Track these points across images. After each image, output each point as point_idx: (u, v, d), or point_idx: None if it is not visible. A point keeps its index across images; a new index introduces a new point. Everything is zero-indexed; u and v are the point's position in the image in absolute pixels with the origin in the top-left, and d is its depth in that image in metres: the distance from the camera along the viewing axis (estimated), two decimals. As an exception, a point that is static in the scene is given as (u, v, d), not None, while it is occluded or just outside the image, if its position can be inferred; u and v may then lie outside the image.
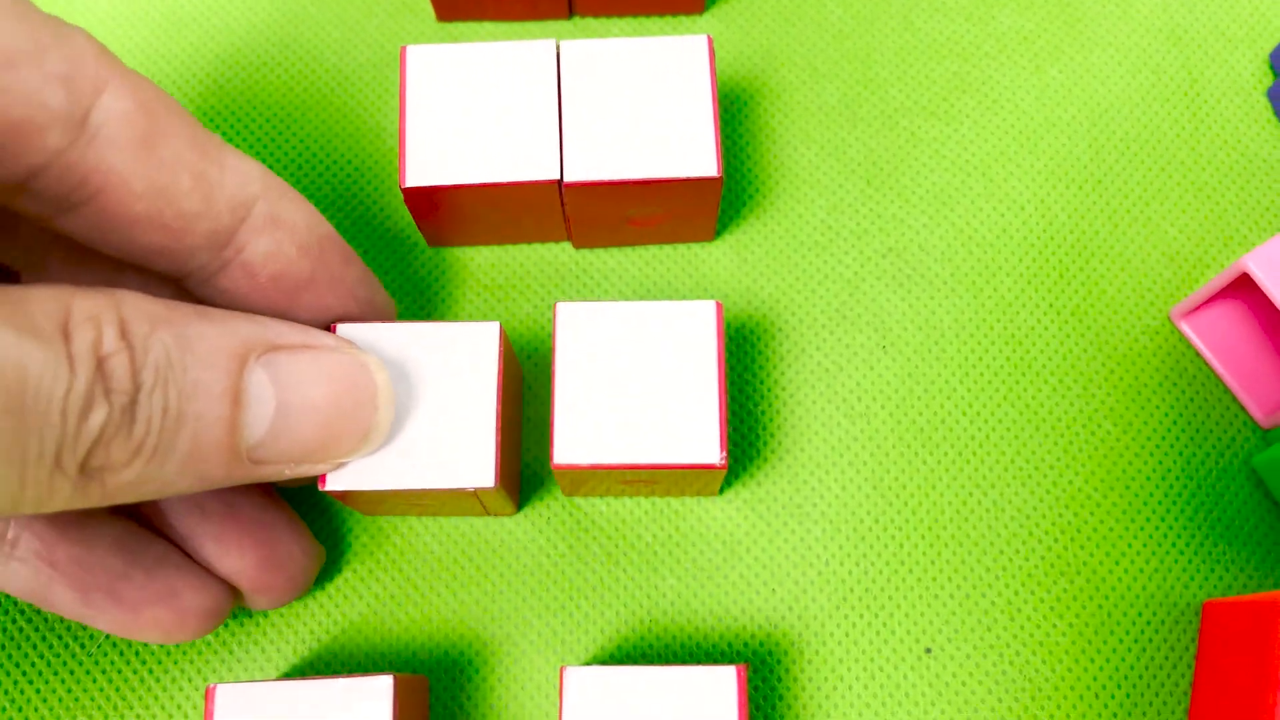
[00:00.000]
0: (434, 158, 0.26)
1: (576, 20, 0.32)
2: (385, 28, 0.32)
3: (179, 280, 0.22)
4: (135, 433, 0.18)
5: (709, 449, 0.24)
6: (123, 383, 0.18)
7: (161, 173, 0.20)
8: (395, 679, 0.23)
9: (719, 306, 0.24)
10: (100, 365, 0.18)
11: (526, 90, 0.26)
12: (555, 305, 0.25)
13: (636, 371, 0.24)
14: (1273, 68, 0.31)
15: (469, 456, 0.23)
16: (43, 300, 0.17)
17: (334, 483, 0.23)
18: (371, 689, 0.23)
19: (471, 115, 0.26)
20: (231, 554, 0.24)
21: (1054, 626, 0.27)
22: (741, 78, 0.31)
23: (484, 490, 0.23)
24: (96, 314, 0.18)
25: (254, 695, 0.23)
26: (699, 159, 0.26)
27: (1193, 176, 0.30)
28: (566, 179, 0.26)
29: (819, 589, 0.27)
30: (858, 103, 0.31)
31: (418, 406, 0.24)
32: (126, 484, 0.18)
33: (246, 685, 0.23)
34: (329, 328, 0.24)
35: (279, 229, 0.22)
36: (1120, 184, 0.30)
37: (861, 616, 0.27)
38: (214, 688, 0.22)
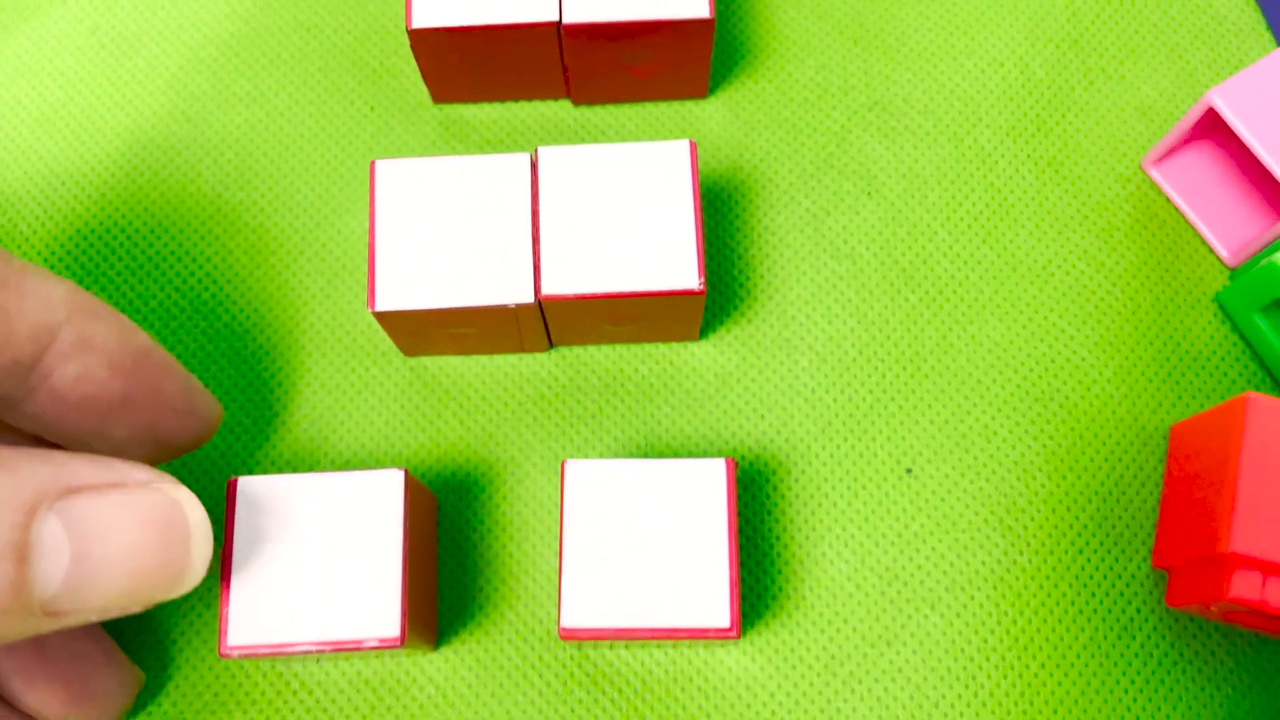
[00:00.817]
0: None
1: None
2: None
3: None
4: None
5: (688, 275, 0.25)
6: None
7: None
8: (406, 473, 0.24)
9: (693, 146, 0.26)
10: None
11: None
12: (537, 150, 0.26)
13: (616, 211, 0.26)
14: (1243, -65, 0.32)
15: (512, 274, 0.25)
16: None
17: (383, 303, 0.25)
18: (384, 481, 0.24)
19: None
20: (37, 690, 0.23)
21: (1029, 448, 0.28)
22: (733, -54, 0.32)
23: (523, 308, 0.25)
24: None
25: (272, 487, 0.24)
26: (692, 1, 0.27)
27: (1164, 37, 0.32)
28: (565, 20, 0.27)
29: (805, 415, 0.28)
30: (845, -31, 0.32)
31: (462, 231, 0.25)
32: None
33: (264, 478, 0.24)
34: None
35: (87, 352, 0.21)
36: (1095, 42, 0.31)
37: (845, 440, 0.28)
38: (235, 480, 0.24)
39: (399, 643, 0.23)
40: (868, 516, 0.28)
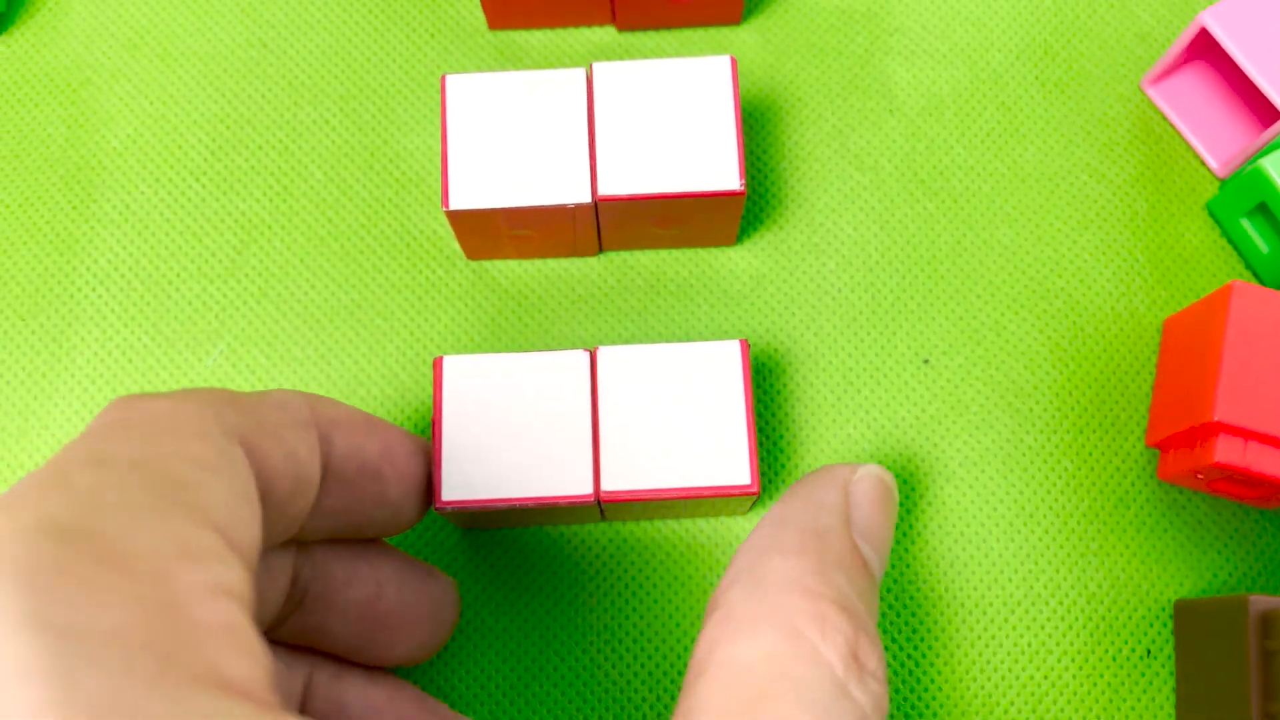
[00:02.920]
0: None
1: None
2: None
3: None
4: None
5: (730, 177, 0.28)
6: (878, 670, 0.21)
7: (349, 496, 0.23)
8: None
9: (733, 61, 0.29)
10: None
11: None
12: (591, 66, 0.29)
13: (666, 119, 0.28)
14: (1237, -126, 0.35)
15: (571, 177, 0.28)
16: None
17: (456, 203, 0.28)
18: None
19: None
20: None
21: (1035, 340, 0.31)
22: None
23: (580, 209, 0.28)
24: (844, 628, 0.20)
25: (474, 364, 0.27)
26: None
27: (1164, -32, 0.34)
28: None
29: (831, 312, 0.31)
30: (868, -95, 0.35)
31: (525, 137, 0.28)
32: None
33: (465, 357, 0.27)
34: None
35: (335, 426, 0.23)
36: (1099, -27, 0.34)
37: (869, 334, 0.31)
38: (440, 359, 0.26)
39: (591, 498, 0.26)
40: (889, 402, 0.30)
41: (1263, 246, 0.30)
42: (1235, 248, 0.32)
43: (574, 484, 0.26)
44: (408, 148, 0.33)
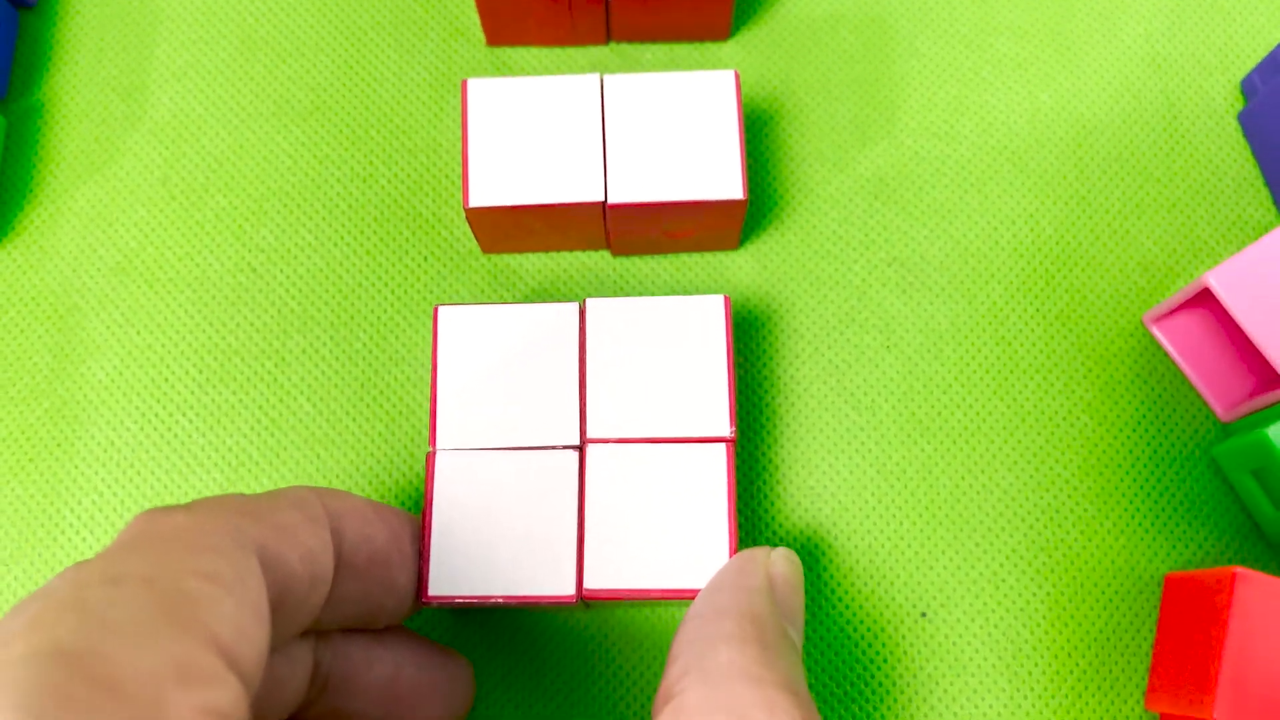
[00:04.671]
0: (494, 181, 0.29)
1: (613, 46, 0.35)
2: (440, 53, 0.35)
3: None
4: None
5: (720, 423, 0.28)
6: None
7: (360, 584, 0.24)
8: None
9: (727, 301, 0.29)
10: None
11: (574, 121, 0.30)
12: (585, 300, 0.29)
13: (656, 358, 0.28)
14: (1244, 94, 0.34)
15: (559, 419, 0.28)
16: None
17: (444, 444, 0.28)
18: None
19: (526, 143, 0.30)
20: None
21: (1034, 595, 0.30)
22: (761, 99, 0.34)
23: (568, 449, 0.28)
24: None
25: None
26: (727, 184, 0.29)
27: (1168, 193, 0.34)
28: (610, 200, 0.29)
29: (828, 560, 0.31)
30: (867, 123, 0.34)
31: (517, 376, 0.28)
32: None
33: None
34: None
35: (344, 518, 0.24)
36: (1101, 200, 0.34)
37: (865, 584, 0.30)
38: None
39: None
40: (885, 658, 0.30)
41: (1268, 506, 0.30)
42: (1240, 500, 0.31)
43: (558, 584, 0.27)
44: (399, 378, 0.32)
